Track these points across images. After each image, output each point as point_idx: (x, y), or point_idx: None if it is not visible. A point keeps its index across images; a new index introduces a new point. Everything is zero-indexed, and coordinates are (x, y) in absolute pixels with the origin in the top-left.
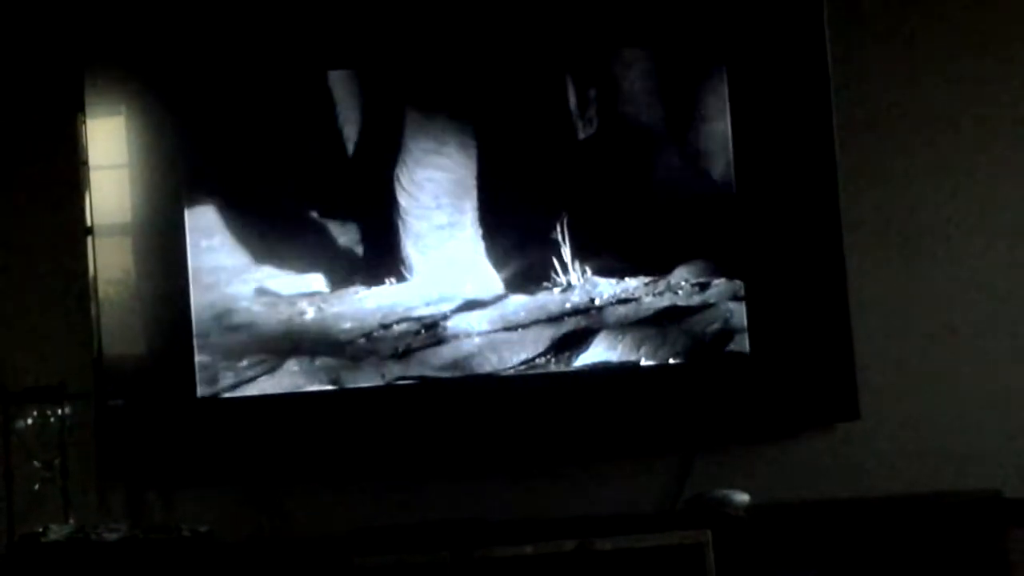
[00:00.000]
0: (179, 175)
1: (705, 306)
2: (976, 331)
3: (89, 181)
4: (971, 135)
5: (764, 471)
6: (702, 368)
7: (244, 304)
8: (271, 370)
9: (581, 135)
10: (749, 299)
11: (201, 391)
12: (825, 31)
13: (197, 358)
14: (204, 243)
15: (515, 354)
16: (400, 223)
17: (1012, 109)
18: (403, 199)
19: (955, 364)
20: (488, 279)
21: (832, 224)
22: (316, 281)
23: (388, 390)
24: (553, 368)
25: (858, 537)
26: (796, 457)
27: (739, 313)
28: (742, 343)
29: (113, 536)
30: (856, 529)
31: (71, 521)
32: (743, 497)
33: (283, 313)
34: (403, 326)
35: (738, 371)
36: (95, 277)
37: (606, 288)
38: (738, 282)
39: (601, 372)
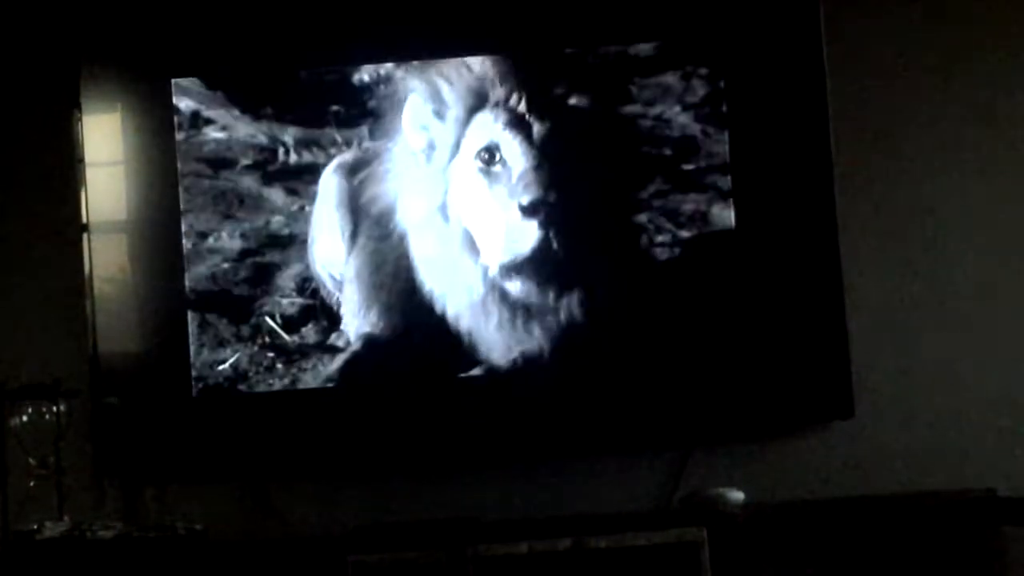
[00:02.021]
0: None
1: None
2: (972, 330)
3: (85, 178)
4: (969, 134)
5: (759, 469)
6: (697, 365)
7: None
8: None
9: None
10: (744, 296)
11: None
12: (821, 31)
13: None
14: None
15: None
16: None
17: (1011, 108)
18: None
19: (950, 362)
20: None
21: (828, 222)
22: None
23: (382, 388)
24: (549, 362)
25: (853, 536)
26: (791, 455)
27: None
28: (738, 339)
29: (108, 534)
30: (851, 527)
31: (66, 518)
32: (738, 495)
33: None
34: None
35: (734, 368)
36: (91, 274)
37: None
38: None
39: (594, 368)
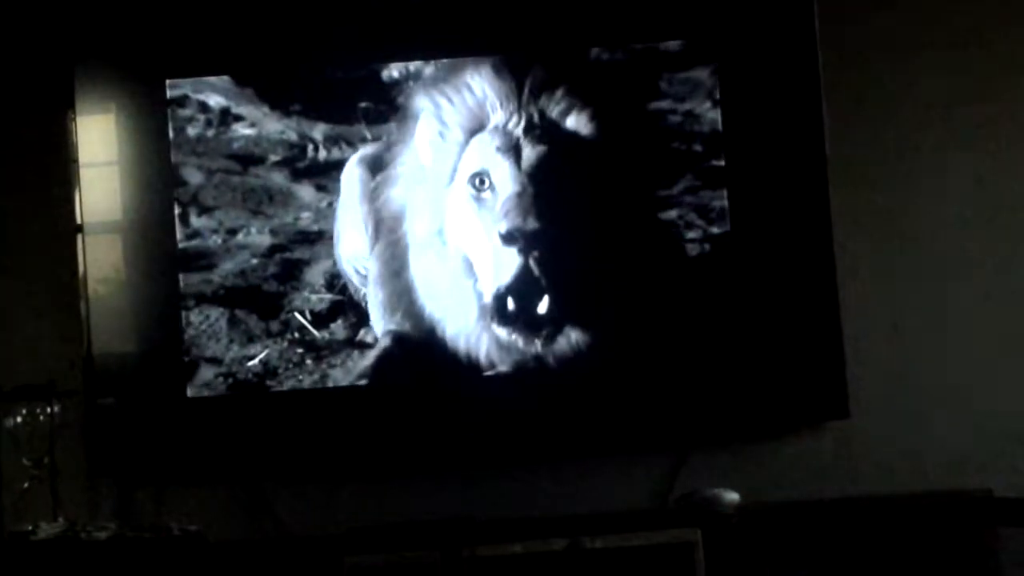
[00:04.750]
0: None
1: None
2: (966, 330)
3: (79, 179)
4: (966, 132)
5: (754, 470)
6: (692, 366)
7: None
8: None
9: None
10: (739, 297)
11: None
12: (815, 27)
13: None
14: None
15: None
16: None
17: (1010, 107)
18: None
19: (945, 363)
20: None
21: (823, 221)
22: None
23: (378, 388)
24: (544, 366)
25: (848, 536)
26: (786, 456)
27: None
28: (733, 340)
29: (103, 535)
30: (846, 528)
31: (60, 519)
32: (733, 496)
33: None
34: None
35: (729, 369)
36: (85, 275)
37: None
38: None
39: (590, 369)
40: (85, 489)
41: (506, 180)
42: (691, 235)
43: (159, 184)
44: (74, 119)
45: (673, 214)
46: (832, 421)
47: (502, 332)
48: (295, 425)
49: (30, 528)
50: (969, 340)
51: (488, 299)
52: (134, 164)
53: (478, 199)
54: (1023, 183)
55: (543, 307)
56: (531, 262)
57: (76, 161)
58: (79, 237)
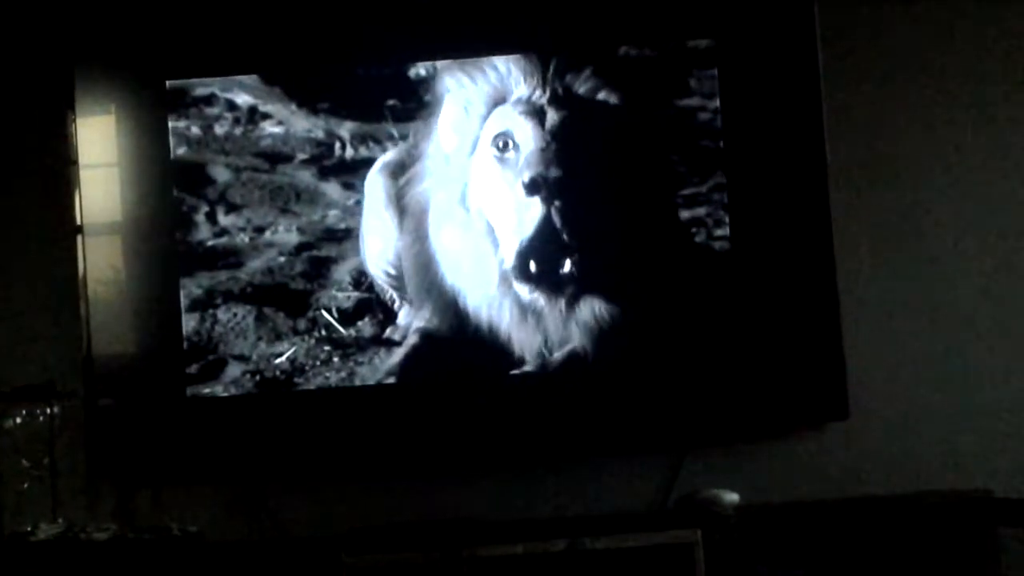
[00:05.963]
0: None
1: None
2: (966, 331)
3: (79, 180)
4: (966, 133)
5: (754, 471)
6: (692, 367)
7: None
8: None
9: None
10: (739, 299)
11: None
12: (816, 30)
13: None
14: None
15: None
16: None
17: (1010, 107)
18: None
19: (945, 364)
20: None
21: (823, 223)
22: None
23: (377, 389)
24: (545, 367)
25: (848, 537)
26: (786, 457)
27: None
28: (733, 341)
29: (102, 536)
30: (846, 529)
31: (60, 520)
32: (733, 497)
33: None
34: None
35: (729, 370)
36: (85, 276)
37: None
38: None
39: (590, 371)
40: (85, 490)
41: (529, 139)
42: (689, 238)
43: (159, 185)
44: (74, 120)
45: (684, 215)
46: (832, 422)
47: (524, 291)
48: (293, 426)
49: (29, 529)
50: (969, 341)
51: (509, 262)
52: (133, 165)
53: (501, 159)
54: (1022, 182)
55: (566, 267)
56: (553, 212)
57: (76, 162)
58: (79, 238)
